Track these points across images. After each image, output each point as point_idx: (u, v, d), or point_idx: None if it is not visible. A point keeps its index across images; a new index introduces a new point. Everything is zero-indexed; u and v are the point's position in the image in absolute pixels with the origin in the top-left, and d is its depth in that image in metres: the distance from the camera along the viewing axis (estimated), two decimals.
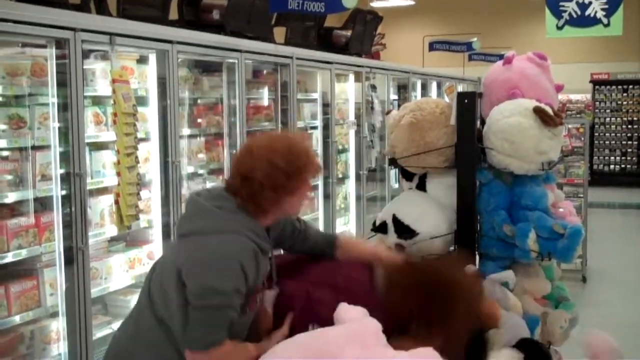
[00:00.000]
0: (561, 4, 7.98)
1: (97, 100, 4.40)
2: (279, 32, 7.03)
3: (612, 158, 16.29)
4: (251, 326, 2.48)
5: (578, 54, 16.41)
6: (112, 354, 2.52)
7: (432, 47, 14.38)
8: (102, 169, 4.31)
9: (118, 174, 4.07)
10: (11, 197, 3.81)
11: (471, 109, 3.29)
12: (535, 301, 3.32)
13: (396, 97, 9.84)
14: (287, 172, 2.36)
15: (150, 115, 4.66)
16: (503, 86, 3.44)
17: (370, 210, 7.86)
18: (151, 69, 4.67)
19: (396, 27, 16.64)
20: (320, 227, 7.15)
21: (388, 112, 3.71)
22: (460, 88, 11.70)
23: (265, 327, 2.50)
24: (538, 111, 3.12)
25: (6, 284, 3.76)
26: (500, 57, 3.71)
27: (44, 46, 3.84)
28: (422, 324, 2.35)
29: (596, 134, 16.17)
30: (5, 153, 3.84)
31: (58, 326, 3.98)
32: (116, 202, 4.09)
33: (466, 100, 3.28)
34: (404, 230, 3.32)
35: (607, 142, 16.33)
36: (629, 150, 16.19)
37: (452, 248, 3.40)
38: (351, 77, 7.73)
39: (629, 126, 16.23)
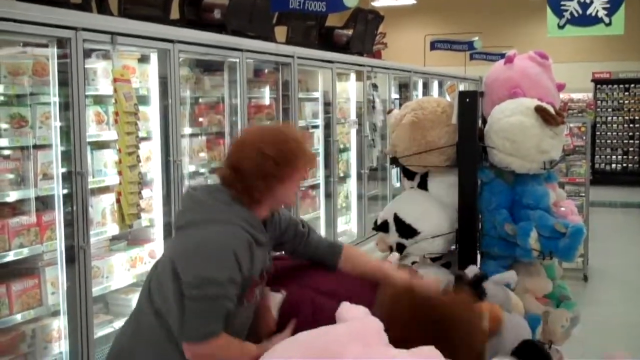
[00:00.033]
0: (562, 3, 7.98)
1: (99, 100, 4.40)
2: (280, 32, 7.02)
3: (614, 157, 16.27)
4: (254, 329, 2.47)
5: (579, 53, 16.40)
6: (113, 353, 2.52)
7: (434, 46, 14.37)
8: (104, 168, 4.31)
9: (119, 173, 4.07)
10: (13, 196, 3.81)
11: (472, 108, 3.29)
12: (536, 300, 3.32)
13: (397, 96, 9.84)
14: (276, 160, 2.35)
15: (151, 114, 4.66)
16: (504, 85, 3.44)
17: (371, 209, 7.86)
18: (152, 68, 4.67)
19: (397, 26, 16.63)
20: (322, 226, 7.16)
21: (389, 111, 3.72)
22: (461, 87, 11.69)
23: (269, 331, 2.49)
24: (540, 110, 3.12)
25: (8, 283, 3.76)
26: (502, 56, 3.72)
27: (45, 45, 3.84)
28: None
29: (598, 133, 16.15)
30: (6, 152, 3.84)
31: (59, 325, 3.98)
32: (117, 201, 4.10)
33: (467, 100, 3.29)
34: (405, 230, 3.33)
35: (608, 141, 16.31)
36: (631, 149, 16.18)
37: (453, 247, 3.40)
38: (352, 76, 7.73)
39: (631, 125, 16.22)
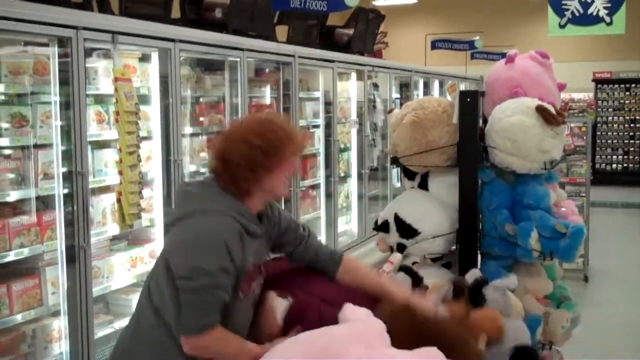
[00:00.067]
0: (564, 2, 7.99)
1: (100, 99, 4.40)
2: (281, 31, 7.02)
3: (615, 157, 16.26)
4: (257, 333, 2.46)
5: (580, 53, 16.40)
6: (114, 354, 2.52)
7: (435, 45, 14.36)
8: (104, 167, 4.31)
9: (120, 172, 4.07)
10: (13, 196, 3.80)
11: (473, 108, 3.29)
12: (537, 301, 3.32)
13: (398, 95, 9.83)
14: (263, 148, 2.34)
15: (152, 113, 4.66)
16: (505, 85, 3.44)
17: (372, 209, 7.86)
18: (153, 68, 4.66)
19: (398, 25, 16.63)
20: (322, 226, 7.15)
21: (390, 111, 3.72)
22: (462, 87, 11.68)
23: (271, 336, 2.47)
24: (541, 110, 3.12)
25: (8, 283, 3.76)
26: (503, 55, 3.72)
27: (46, 44, 3.84)
28: None
29: (598, 133, 16.14)
30: (7, 151, 3.84)
31: (60, 325, 3.98)
32: (118, 200, 4.09)
33: (468, 99, 3.29)
34: (406, 230, 3.32)
35: (609, 141, 16.31)
36: (632, 149, 16.17)
37: (454, 247, 3.40)
38: (353, 75, 7.72)
39: (632, 125, 16.21)
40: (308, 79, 7.04)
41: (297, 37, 7.07)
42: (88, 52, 4.03)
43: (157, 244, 4.75)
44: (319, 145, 7.05)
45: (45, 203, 3.96)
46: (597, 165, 15.91)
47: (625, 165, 16.20)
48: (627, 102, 16.30)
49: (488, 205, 3.29)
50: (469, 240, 3.31)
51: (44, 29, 3.68)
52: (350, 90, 7.81)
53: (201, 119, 5.40)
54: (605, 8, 7.83)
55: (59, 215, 3.91)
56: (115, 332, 4.27)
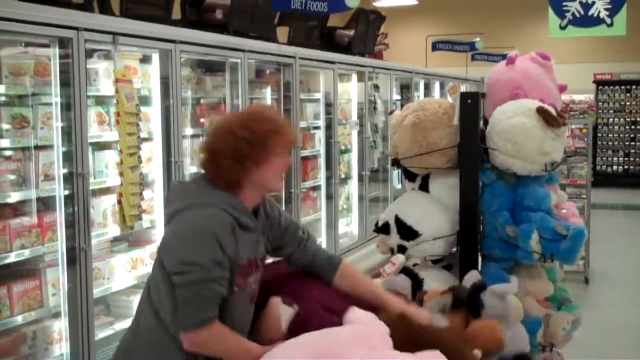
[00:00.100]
0: (564, 3, 7.97)
1: (100, 100, 4.40)
2: (282, 32, 7.02)
3: (615, 159, 16.26)
4: (260, 339, 2.44)
5: (581, 54, 16.39)
6: (117, 355, 2.52)
7: (435, 47, 14.37)
8: (105, 168, 4.31)
9: (121, 173, 4.07)
10: (14, 197, 3.81)
11: (474, 109, 3.29)
12: (537, 303, 3.32)
13: (399, 97, 9.84)
14: (248, 141, 2.31)
15: (153, 115, 4.66)
16: (506, 86, 3.43)
17: (372, 210, 7.86)
18: (154, 69, 4.67)
19: (399, 26, 16.63)
20: (323, 227, 7.15)
21: (391, 112, 3.71)
22: (463, 88, 11.68)
23: (275, 342, 2.46)
24: (541, 112, 3.12)
25: (9, 284, 3.76)
26: (503, 57, 3.71)
27: (47, 46, 3.84)
28: None
29: (599, 135, 16.14)
30: (8, 153, 3.84)
31: (60, 326, 3.98)
32: (119, 202, 4.09)
33: (469, 101, 3.28)
34: (406, 231, 3.32)
35: (610, 143, 16.30)
36: (632, 151, 16.17)
37: (454, 249, 3.40)
38: (354, 77, 7.72)
39: (632, 127, 16.21)
40: (309, 80, 7.04)
41: (298, 38, 7.07)
42: (89, 53, 4.03)
43: (157, 245, 4.74)
44: (320, 147, 7.05)
45: (46, 204, 3.96)
46: (598, 167, 15.91)
47: (626, 167, 16.20)
48: (627, 103, 16.30)
49: (489, 207, 3.29)
50: (470, 242, 3.30)
51: (45, 30, 3.68)
52: (350, 91, 7.81)
53: (202, 120, 5.40)
54: (606, 9, 7.83)
55: (59, 216, 3.91)
56: (116, 334, 4.27)
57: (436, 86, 10.84)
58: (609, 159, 16.27)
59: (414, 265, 3.50)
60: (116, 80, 4.03)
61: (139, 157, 4.15)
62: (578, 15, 7.95)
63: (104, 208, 4.32)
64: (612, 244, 9.68)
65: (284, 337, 2.43)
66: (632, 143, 16.17)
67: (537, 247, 3.10)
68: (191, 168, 5.15)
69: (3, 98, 3.91)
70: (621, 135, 16.29)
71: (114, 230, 4.35)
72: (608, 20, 7.85)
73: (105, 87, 4.32)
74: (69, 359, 3.96)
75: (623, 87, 16.33)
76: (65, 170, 3.90)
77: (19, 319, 3.77)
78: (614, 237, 10.25)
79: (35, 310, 3.87)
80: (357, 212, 7.88)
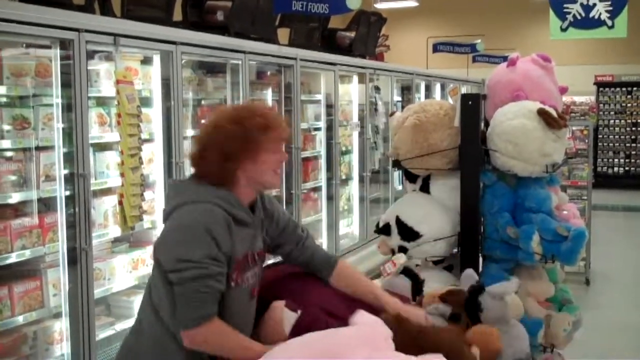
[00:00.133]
0: (565, 5, 7.98)
1: (101, 101, 4.40)
2: (283, 33, 7.03)
3: (616, 160, 16.26)
4: (262, 342, 2.44)
5: (582, 56, 16.40)
6: (120, 353, 2.52)
7: (436, 48, 14.38)
8: (106, 169, 4.32)
9: (122, 174, 4.07)
10: (15, 198, 3.81)
11: (475, 111, 3.29)
12: (538, 304, 3.31)
13: (400, 98, 9.85)
14: (237, 135, 2.30)
15: (154, 116, 4.66)
16: (507, 88, 3.43)
17: (373, 212, 7.86)
18: (155, 70, 4.67)
19: (400, 28, 16.64)
20: (324, 228, 7.16)
21: (392, 114, 3.71)
22: (463, 90, 11.69)
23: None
24: (542, 113, 3.12)
25: (10, 285, 3.76)
26: (504, 58, 3.71)
27: (48, 47, 3.84)
28: None
29: (600, 136, 16.14)
30: (9, 154, 3.84)
31: (61, 327, 3.98)
32: (120, 202, 4.10)
33: (470, 102, 3.28)
34: (407, 232, 3.32)
35: (611, 145, 16.31)
36: (633, 152, 16.17)
37: (455, 250, 3.40)
38: (355, 78, 7.73)
39: (633, 128, 16.21)
40: (310, 81, 7.05)
41: (299, 39, 7.08)
42: (90, 55, 4.04)
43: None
44: (321, 148, 7.05)
45: (47, 205, 3.97)
46: (599, 169, 15.91)
47: (626, 168, 16.20)
48: (628, 105, 16.31)
49: (490, 208, 3.29)
50: (471, 243, 3.30)
51: (46, 31, 3.68)
52: (351, 93, 7.81)
53: (203, 121, 5.40)
54: (607, 11, 7.84)
55: (60, 217, 3.91)
56: (117, 334, 4.27)
57: (437, 88, 10.85)
58: (610, 160, 16.27)
59: (416, 266, 3.50)
60: (117, 82, 4.04)
61: (140, 158, 4.15)
62: (579, 17, 7.96)
63: (104, 209, 4.32)
64: (613, 246, 9.67)
65: (286, 339, 2.43)
66: (633, 145, 16.17)
67: (538, 248, 3.10)
68: (192, 169, 5.14)
69: (4, 99, 3.91)
70: (622, 137, 16.29)
71: (115, 231, 4.36)
72: (609, 22, 7.86)
73: (106, 88, 4.32)
74: (70, 359, 3.97)
75: (624, 89, 16.33)
76: (66, 171, 3.91)
77: (20, 319, 3.77)
78: (614, 239, 10.24)
79: (36, 310, 3.87)
80: (358, 213, 7.89)
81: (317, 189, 7.13)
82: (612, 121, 16.35)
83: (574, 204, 4.15)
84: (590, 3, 7.88)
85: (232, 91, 5.49)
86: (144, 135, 4.28)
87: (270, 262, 2.79)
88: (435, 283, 3.17)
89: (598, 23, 7.90)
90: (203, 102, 5.50)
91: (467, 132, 3.27)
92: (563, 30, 8.04)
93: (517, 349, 2.83)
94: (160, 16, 5.08)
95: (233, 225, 2.31)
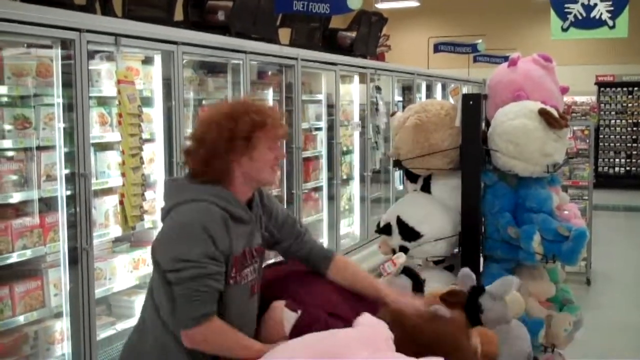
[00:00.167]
0: (566, 5, 7.98)
1: (102, 101, 4.40)
2: (284, 33, 7.03)
3: (617, 160, 16.25)
4: (263, 341, 2.44)
5: (583, 56, 16.39)
6: (124, 351, 2.52)
7: (437, 48, 14.38)
8: (107, 169, 4.32)
9: (123, 174, 4.08)
10: (16, 197, 3.81)
11: (476, 111, 3.29)
12: (539, 304, 3.32)
13: (401, 98, 9.85)
14: (232, 132, 2.29)
15: (155, 116, 4.66)
16: (508, 88, 3.44)
17: (374, 211, 7.86)
18: (156, 70, 4.67)
19: (401, 28, 16.63)
20: (325, 228, 7.16)
21: (393, 114, 3.72)
22: (465, 90, 11.69)
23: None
24: (543, 113, 3.12)
25: (11, 284, 3.76)
26: (505, 58, 3.72)
27: (49, 47, 3.85)
28: None
29: (601, 136, 16.14)
30: (10, 153, 3.84)
31: (62, 326, 3.98)
32: (121, 202, 4.10)
33: (471, 102, 3.29)
34: (408, 232, 3.32)
35: (612, 145, 16.31)
36: (634, 152, 16.16)
37: (456, 250, 3.40)
38: (356, 78, 7.73)
39: (634, 128, 16.21)
40: (311, 81, 7.05)
41: (300, 39, 7.08)
42: (91, 55, 4.04)
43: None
44: (322, 148, 7.05)
45: (47, 205, 3.97)
46: (600, 169, 15.91)
47: (627, 168, 16.19)
48: (629, 105, 16.30)
49: (490, 208, 3.29)
50: (472, 243, 3.30)
51: (47, 31, 3.68)
52: (352, 93, 7.81)
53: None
54: (608, 11, 7.83)
55: (61, 217, 3.91)
56: (117, 334, 4.28)
57: (438, 88, 10.84)
58: (611, 160, 16.26)
59: (418, 266, 3.51)
60: (118, 82, 4.04)
61: (141, 158, 4.15)
62: (580, 17, 7.96)
63: (105, 208, 4.32)
64: (614, 246, 9.67)
65: (286, 339, 2.43)
66: (634, 145, 16.17)
67: (539, 248, 3.11)
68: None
69: (5, 99, 3.91)
70: (623, 137, 16.28)
71: (116, 231, 4.36)
72: (610, 22, 7.86)
73: (107, 88, 4.32)
74: (71, 359, 3.96)
75: (625, 89, 16.33)
76: (67, 171, 3.91)
77: (21, 319, 3.77)
78: (615, 239, 10.24)
79: (37, 310, 3.87)
80: (359, 213, 7.89)
81: (318, 189, 7.13)
82: (613, 121, 16.35)
83: (574, 204, 4.16)
84: (591, 3, 7.87)
85: (233, 91, 5.49)
86: (145, 135, 4.28)
87: (270, 261, 2.79)
88: (436, 283, 3.17)
89: (599, 23, 7.89)
90: (204, 102, 5.50)
91: (468, 132, 3.28)
92: (564, 30, 8.04)
93: (519, 349, 2.84)
94: (162, 16, 5.08)
95: (231, 222, 2.31)
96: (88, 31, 3.87)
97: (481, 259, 3.35)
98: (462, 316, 2.65)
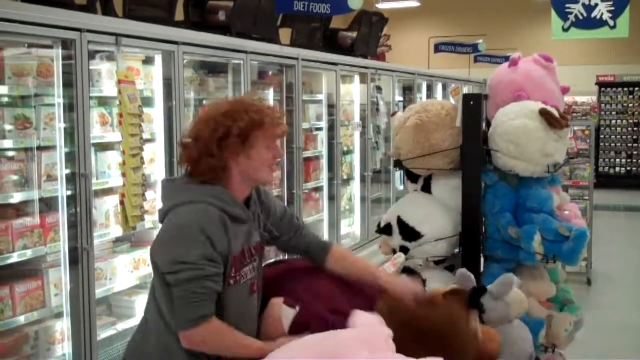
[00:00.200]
0: (567, 5, 7.98)
1: (103, 101, 4.40)
2: (285, 33, 7.03)
3: (618, 160, 16.25)
4: (262, 340, 2.44)
5: (584, 56, 16.38)
6: (127, 350, 2.52)
7: (438, 48, 14.38)
8: (108, 169, 4.32)
9: (123, 174, 4.07)
10: (16, 197, 3.81)
11: (477, 111, 3.29)
12: (540, 304, 3.32)
13: (401, 98, 9.85)
14: (230, 130, 2.29)
15: (155, 116, 4.66)
16: (508, 88, 3.44)
17: (374, 211, 7.86)
18: (157, 70, 4.67)
19: (402, 28, 16.62)
20: (325, 228, 7.16)
21: (393, 114, 3.72)
22: (465, 90, 11.69)
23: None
24: (544, 113, 3.12)
25: (11, 284, 3.76)
26: (506, 58, 3.72)
27: (50, 47, 3.85)
28: None
29: (602, 136, 16.13)
30: (10, 153, 3.84)
31: (62, 326, 3.98)
32: (121, 202, 4.10)
33: (472, 102, 3.28)
34: (408, 232, 3.32)
35: (612, 144, 16.30)
36: (635, 152, 16.16)
37: (457, 250, 3.40)
38: (356, 78, 7.73)
39: (635, 128, 16.21)
40: (311, 81, 7.05)
41: (301, 39, 7.08)
42: (91, 55, 4.03)
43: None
44: (322, 148, 7.05)
45: (48, 205, 3.97)
46: (601, 169, 15.90)
47: (628, 168, 16.19)
48: (630, 105, 16.30)
49: (491, 208, 3.29)
50: (472, 243, 3.30)
51: (48, 31, 3.68)
52: (353, 92, 7.81)
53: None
54: (608, 11, 7.83)
55: (62, 216, 3.91)
56: (118, 334, 4.28)
57: (438, 88, 10.84)
58: (612, 160, 16.26)
59: (419, 266, 3.50)
60: (119, 82, 4.04)
61: (142, 158, 4.15)
62: (581, 17, 7.96)
63: (106, 208, 4.32)
64: (615, 245, 9.67)
65: (286, 337, 2.43)
66: (635, 145, 16.17)
67: (540, 248, 3.11)
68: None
69: (6, 99, 3.91)
70: (624, 137, 16.28)
71: (116, 231, 4.36)
72: (611, 22, 7.86)
73: (107, 88, 4.32)
74: (71, 359, 3.96)
75: (625, 89, 16.33)
76: (67, 171, 3.91)
77: (21, 319, 3.77)
78: (616, 239, 10.24)
79: (37, 310, 3.87)
80: (359, 213, 7.89)
81: (318, 189, 7.13)
82: (613, 121, 16.35)
83: (575, 204, 4.16)
84: (592, 3, 7.87)
85: (234, 91, 5.49)
86: (145, 135, 4.28)
87: (270, 261, 2.80)
88: (437, 283, 3.17)
89: (600, 23, 7.89)
90: (204, 102, 5.50)
91: (469, 132, 3.28)
92: (565, 30, 8.04)
93: (521, 349, 2.84)
94: (162, 16, 5.08)
95: (229, 222, 2.31)
96: (89, 31, 3.87)
97: (482, 259, 3.35)
98: (461, 300, 2.64)
